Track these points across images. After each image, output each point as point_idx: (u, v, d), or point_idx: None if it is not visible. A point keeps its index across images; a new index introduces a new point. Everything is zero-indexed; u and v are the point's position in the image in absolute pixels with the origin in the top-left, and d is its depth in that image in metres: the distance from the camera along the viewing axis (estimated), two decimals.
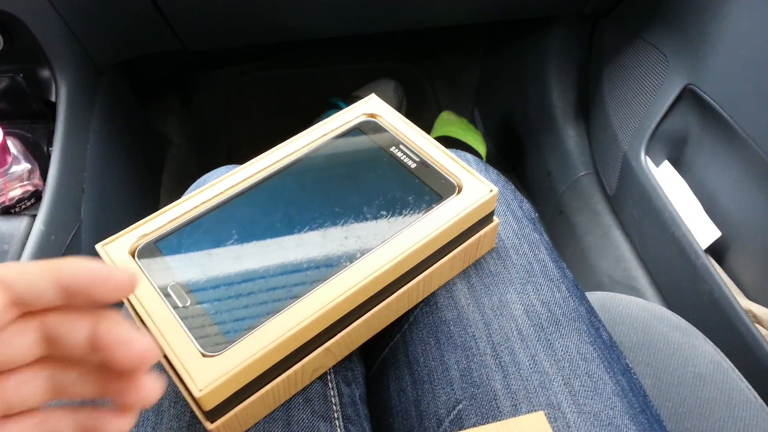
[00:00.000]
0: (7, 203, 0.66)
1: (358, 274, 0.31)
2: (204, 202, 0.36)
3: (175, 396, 0.33)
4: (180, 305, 0.31)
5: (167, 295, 0.31)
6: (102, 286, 0.22)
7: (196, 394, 0.28)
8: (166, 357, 0.30)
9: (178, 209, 0.36)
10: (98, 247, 0.34)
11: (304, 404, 0.34)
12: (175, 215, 0.35)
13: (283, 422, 0.33)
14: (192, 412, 0.32)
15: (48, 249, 0.66)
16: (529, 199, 1.06)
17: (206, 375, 0.28)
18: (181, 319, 0.30)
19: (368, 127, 0.39)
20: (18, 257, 0.62)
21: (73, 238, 0.71)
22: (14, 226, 0.65)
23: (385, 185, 0.36)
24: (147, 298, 0.31)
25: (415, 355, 0.37)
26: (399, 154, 0.37)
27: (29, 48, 0.70)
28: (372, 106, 0.41)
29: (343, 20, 0.82)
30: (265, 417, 0.33)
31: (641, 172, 0.76)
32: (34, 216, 0.66)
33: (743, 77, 0.62)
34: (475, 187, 0.35)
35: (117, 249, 0.34)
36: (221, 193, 0.36)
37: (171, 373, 0.31)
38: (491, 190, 0.35)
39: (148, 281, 0.32)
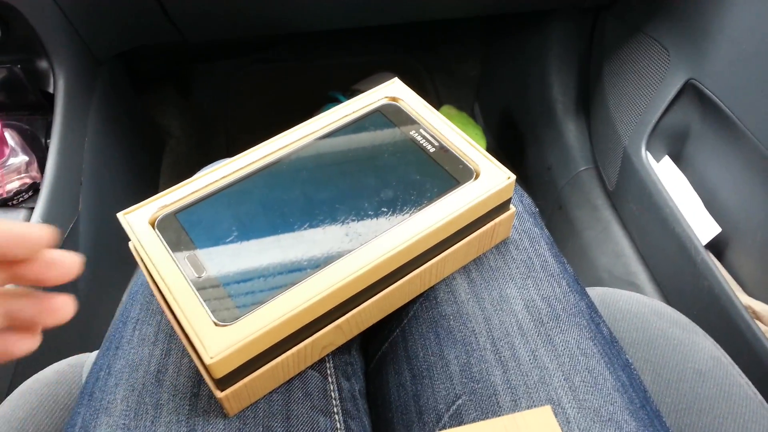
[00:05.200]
0: (5, 196, 0.66)
1: (372, 253, 0.32)
2: (224, 177, 0.36)
3: (174, 390, 0.33)
4: (195, 275, 0.31)
5: (184, 265, 0.32)
6: (18, 244, 0.24)
7: (207, 361, 0.28)
8: (180, 325, 0.30)
9: (198, 183, 0.36)
10: (120, 215, 0.34)
11: (304, 399, 0.34)
12: (196, 188, 0.36)
13: (283, 417, 0.33)
14: (190, 406, 0.32)
15: None
16: (529, 193, 1.06)
17: (218, 343, 0.29)
18: (196, 288, 0.31)
19: (389, 110, 0.40)
20: None
21: (72, 230, 0.71)
22: (12, 218, 0.65)
23: (403, 168, 0.36)
24: (164, 267, 0.32)
25: (415, 350, 0.36)
26: (418, 138, 0.38)
27: (27, 39, 0.70)
28: (394, 90, 0.41)
29: (343, 13, 0.82)
30: (265, 411, 0.33)
31: (641, 168, 0.76)
32: (32, 208, 0.66)
33: (745, 72, 0.62)
34: (492, 173, 0.35)
35: (137, 218, 0.34)
36: (241, 169, 0.37)
37: (184, 341, 0.31)
38: (509, 177, 0.35)
39: (165, 251, 0.32)
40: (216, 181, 0.36)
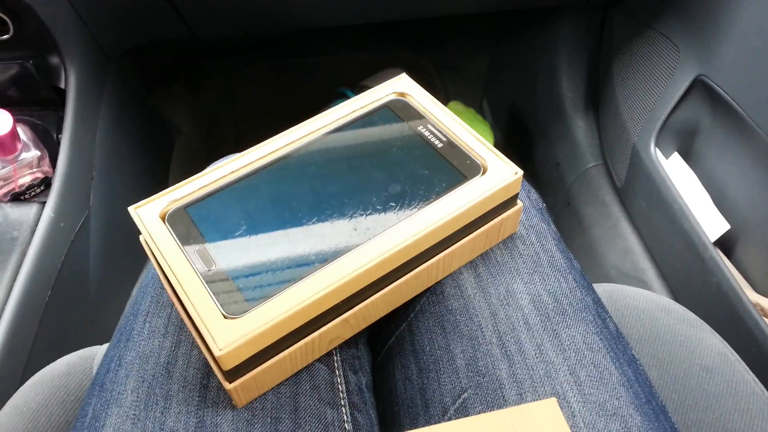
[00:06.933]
0: (17, 190, 0.67)
1: (379, 248, 0.32)
2: (233, 172, 0.37)
3: (183, 381, 0.33)
4: (205, 269, 0.32)
5: (193, 259, 0.32)
6: None
7: (216, 353, 0.28)
8: (189, 318, 0.31)
9: (208, 177, 0.36)
10: (131, 209, 0.35)
11: (312, 391, 0.34)
12: (206, 183, 0.36)
13: (291, 409, 0.33)
14: (199, 398, 0.33)
15: (57, 236, 0.66)
16: (538, 190, 1.06)
17: (227, 336, 0.29)
18: (206, 281, 0.31)
19: (397, 106, 0.40)
20: (27, 244, 0.63)
21: (82, 225, 0.72)
22: (24, 212, 0.65)
23: (410, 163, 0.36)
24: (174, 260, 0.32)
25: (421, 344, 0.37)
26: (426, 134, 0.38)
27: (39, 35, 0.70)
28: (402, 85, 0.41)
29: (352, 9, 0.82)
30: (273, 403, 0.33)
31: (650, 164, 0.75)
32: (44, 203, 0.67)
33: (755, 68, 0.61)
34: (500, 168, 0.35)
35: (148, 212, 0.35)
36: (250, 163, 0.37)
37: (194, 333, 0.32)
38: (516, 173, 0.35)
39: (176, 244, 0.33)
40: (225, 175, 0.37)
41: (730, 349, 0.46)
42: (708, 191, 0.69)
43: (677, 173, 0.73)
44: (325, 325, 0.33)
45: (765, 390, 0.43)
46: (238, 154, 0.38)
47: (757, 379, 0.44)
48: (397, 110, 0.40)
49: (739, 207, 0.65)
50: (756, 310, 0.60)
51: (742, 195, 0.65)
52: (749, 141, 0.63)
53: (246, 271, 0.32)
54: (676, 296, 0.73)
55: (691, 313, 0.49)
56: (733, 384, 0.43)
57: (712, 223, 0.67)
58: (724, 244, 0.67)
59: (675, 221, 0.71)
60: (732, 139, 0.66)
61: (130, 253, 0.85)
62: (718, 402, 0.42)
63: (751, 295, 0.61)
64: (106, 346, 0.46)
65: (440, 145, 0.37)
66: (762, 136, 0.60)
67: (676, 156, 0.74)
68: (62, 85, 0.74)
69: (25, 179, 0.67)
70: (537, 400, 0.32)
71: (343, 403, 0.35)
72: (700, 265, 0.66)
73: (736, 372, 0.44)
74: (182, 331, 0.36)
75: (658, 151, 0.76)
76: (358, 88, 1.14)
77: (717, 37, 0.67)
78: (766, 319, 0.59)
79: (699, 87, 0.71)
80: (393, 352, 0.39)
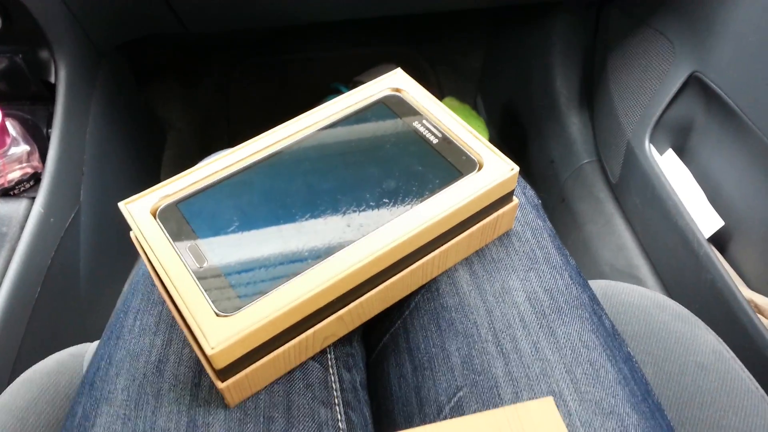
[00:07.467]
0: (6, 185, 0.66)
1: (374, 244, 0.32)
2: (225, 168, 0.36)
3: (175, 380, 0.33)
4: (197, 265, 0.31)
5: (185, 255, 0.32)
6: None
7: (208, 351, 0.28)
8: (181, 315, 0.30)
9: (200, 173, 0.36)
10: (121, 205, 0.34)
11: (305, 390, 0.34)
12: (198, 178, 0.36)
13: (284, 407, 0.33)
14: (191, 397, 0.32)
15: (47, 232, 0.65)
16: (532, 186, 1.06)
17: (219, 334, 0.28)
18: (198, 279, 0.31)
19: (392, 101, 0.39)
20: (17, 240, 0.62)
21: (73, 221, 0.71)
22: (13, 208, 0.65)
23: (406, 159, 0.36)
24: (165, 257, 0.32)
25: (416, 342, 0.36)
26: (422, 129, 0.37)
27: (28, 29, 0.69)
28: (397, 80, 0.41)
29: (347, 3, 0.81)
30: (266, 402, 0.33)
31: (645, 161, 0.75)
32: (33, 198, 0.66)
33: (750, 65, 0.61)
34: (496, 164, 0.35)
35: (139, 208, 0.34)
36: (243, 159, 0.37)
37: (185, 331, 0.31)
38: (512, 169, 0.34)
39: (167, 241, 0.32)
40: (218, 171, 0.36)
41: (725, 346, 0.46)
42: (702, 188, 0.69)
43: (672, 170, 0.73)
44: (319, 322, 0.32)
45: (759, 387, 0.43)
46: (230, 150, 0.38)
47: (751, 376, 0.44)
48: (392, 106, 0.39)
49: (734, 203, 0.65)
50: (750, 307, 0.60)
51: (736, 191, 0.65)
52: (744, 137, 0.63)
53: (238, 267, 0.31)
54: (670, 293, 0.73)
55: (685, 309, 0.49)
56: (728, 381, 0.43)
57: (706, 220, 0.67)
58: (718, 240, 0.67)
59: (669, 218, 0.71)
60: (726, 136, 0.66)
61: (120, 249, 0.84)
62: (713, 399, 0.42)
63: (745, 292, 0.61)
64: (96, 343, 0.46)
65: (435, 141, 0.37)
66: (756, 133, 0.60)
67: (670, 152, 0.74)
68: (52, 80, 0.73)
69: (15, 174, 0.66)
70: (533, 398, 0.31)
71: (336, 401, 0.35)
72: (695, 261, 0.66)
73: (730, 369, 0.44)
74: (173, 329, 0.35)
75: (652, 147, 0.75)
76: (353, 84, 1.14)
77: (712, 34, 0.67)
78: (759, 315, 0.59)
79: (694, 83, 0.71)
80: (387, 350, 0.39)
